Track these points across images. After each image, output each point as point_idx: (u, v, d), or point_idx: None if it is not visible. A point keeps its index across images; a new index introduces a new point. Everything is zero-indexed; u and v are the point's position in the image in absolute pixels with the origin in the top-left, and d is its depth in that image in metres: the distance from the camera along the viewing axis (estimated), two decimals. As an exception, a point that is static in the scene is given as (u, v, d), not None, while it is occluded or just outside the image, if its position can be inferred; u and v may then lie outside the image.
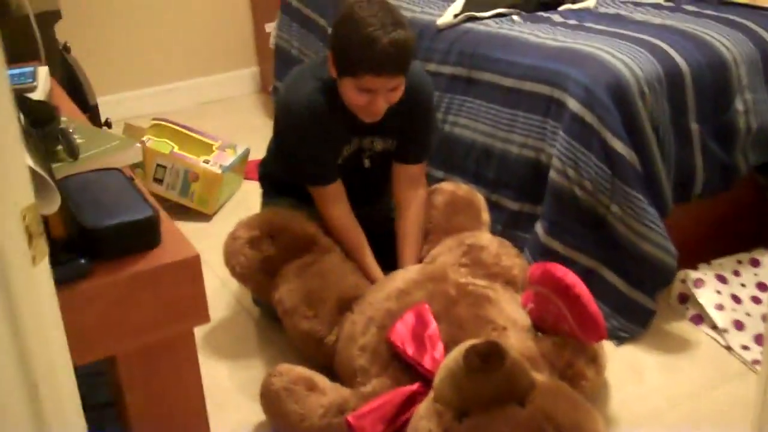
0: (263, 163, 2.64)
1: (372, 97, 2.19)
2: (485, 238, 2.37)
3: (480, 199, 2.51)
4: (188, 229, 2.99)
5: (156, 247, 1.23)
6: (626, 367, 2.30)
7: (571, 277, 2.03)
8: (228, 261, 2.34)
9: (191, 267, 1.21)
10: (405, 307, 2.08)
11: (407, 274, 2.23)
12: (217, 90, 4.16)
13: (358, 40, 2.12)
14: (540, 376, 1.84)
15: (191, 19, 4.04)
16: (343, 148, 2.37)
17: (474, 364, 1.71)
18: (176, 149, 3.04)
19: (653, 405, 2.18)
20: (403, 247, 2.43)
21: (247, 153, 3.25)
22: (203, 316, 1.24)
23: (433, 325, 2.00)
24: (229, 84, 4.20)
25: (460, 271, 2.23)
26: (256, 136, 3.54)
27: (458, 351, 1.76)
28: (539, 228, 2.46)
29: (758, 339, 2.36)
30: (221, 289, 2.67)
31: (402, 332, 2.00)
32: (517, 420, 1.71)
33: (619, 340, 2.39)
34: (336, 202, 2.38)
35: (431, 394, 1.82)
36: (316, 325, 2.18)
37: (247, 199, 3.17)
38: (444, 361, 1.82)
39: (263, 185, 2.66)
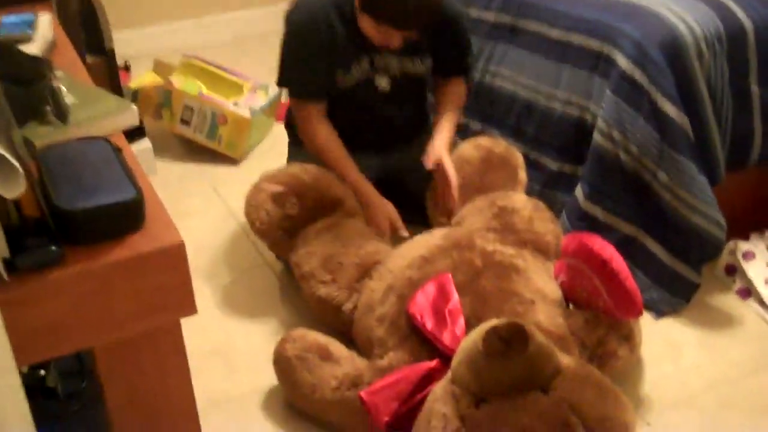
0: (290, 109, 2.52)
1: (389, 37, 2.13)
2: (519, 199, 2.22)
3: (518, 156, 2.36)
4: (215, 173, 2.91)
5: (138, 231, 1.12)
6: (663, 343, 2.17)
7: (608, 251, 1.89)
8: (249, 214, 2.24)
9: (175, 255, 1.10)
10: (427, 276, 1.96)
11: (431, 239, 2.10)
12: (255, 24, 3.99)
13: None
14: (567, 359, 1.71)
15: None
16: (351, 65, 2.25)
17: (494, 348, 1.59)
18: (204, 90, 2.92)
19: (689, 386, 2.06)
20: (435, 131, 2.35)
21: (279, 94, 3.11)
22: (189, 307, 1.13)
23: (455, 298, 1.88)
24: (268, 18, 4.00)
25: (487, 237, 2.10)
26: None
27: (478, 332, 1.64)
28: (579, 192, 2.31)
29: (809, 319, 2.21)
30: (244, 241, 2.57)
31: (422, 304, 1.88)
32: (539, 409, 1.60)
33: (659, 314, 2.25)
34: (318, 120, 2.29)
35: (449, 375, 1.71)
36: (333, 291, 2.07)
37: (278, 144, 3.04)
38: (463, 341, 1.70)
39: (288, 132, 2.55)
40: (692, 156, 2.15)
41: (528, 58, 2.48)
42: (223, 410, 1.97)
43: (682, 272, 2.24)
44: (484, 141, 2.38)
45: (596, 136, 2.24)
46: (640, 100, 2.15)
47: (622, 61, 2.18)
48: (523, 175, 2.34)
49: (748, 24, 2.22)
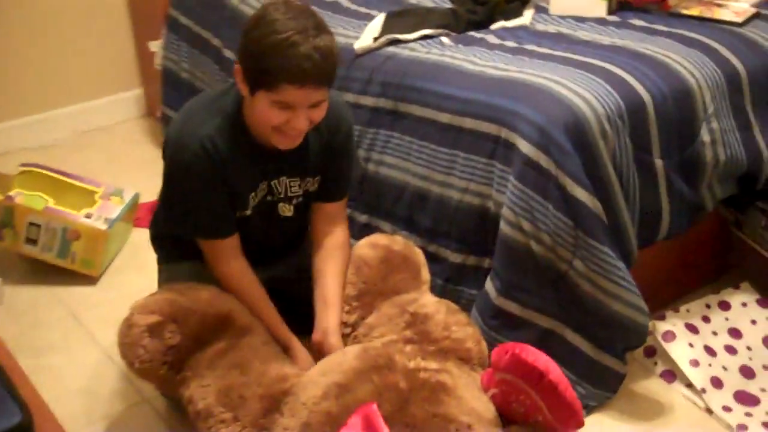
0: (155, 222, 2.24)
1: (291, 115, 1.85)
2: (429, 303, 2.01)
3: (418, 253, 2.16)
4: (71, 296, 2.56)
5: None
6: (598, 444, 2.01)
7: (543, 362, 1.71)
8: (125, 354, 1.92)
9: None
10: (348, 408, 1.71)
11: (345, 361, 1.86)
12: (98, 116, 3.65)
13: (274, 44, 1.78)
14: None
15: (63, 38, 3.53)
16: (248, 196, 2.01)
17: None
18: (51, 203, 2.57)
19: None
20: (323, 298, 2.06)
21: (136, 199, 2.80)
22: None
23: (386, 434, 1.64)
24: (111, 109, 3.70)
25: (406, 351, 1.88)
26: (146, 171, 3.10)
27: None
28: (490, 287, 2.13)
29: (739, 397, 2.11)
30: (115, 375, 2.23)
31: (349, 446, 1.64)
32: None
33: (587, 410, 2.08)
34: (232, 257, 2.03)
35: None
36: (236, 431, 1.79)
37: (139, 253, 2.72)
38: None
39: (156, 247, 2.26)
40: (608, 240, 2.01)
41: (416, 144, 2.30)
42: None
43: (606, 363, 2.10)
44: (380, 239, 2.16)
45: (504, 227, 2.08)
46: (548, 186, 2.00)
47: (525, 146, 2.03)
48: (426, 274, 2.15)
49: (647, 97, 2.13)
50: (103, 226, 2.58)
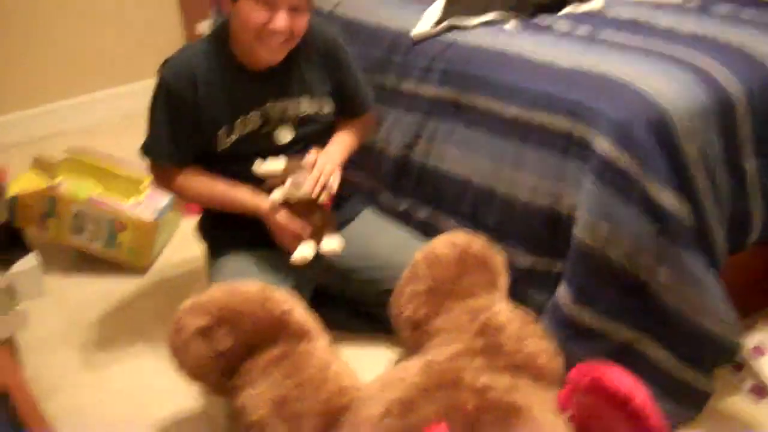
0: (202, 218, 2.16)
1: (273, 14, 1.88)
2: (503, 311, 1.88)
3: (498, 259, 2.03)
4: (118, 287, 2.46)
5: None
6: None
7: (626, 385, 1.58)
8: (175, 358, 1.82)
9: None
10: (412, 428, 1.59)
11: (407, 374, 1.73)
12: (144, 99, 3.54)
13: None
14: None
15: (111, 20, 3.44)
16: (234, 122, 1.99)
17: None
18: (98, 191, 2.47)
19: None
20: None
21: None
22: None
23: (456, 462, 1.51)
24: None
25: (474, 367, 1.74)
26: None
27: None
28: (563, 295, 1.98)
29: (832, 419, 1.94)
30: (171, 379, 2.09)
31: (415, 472, 1.51)
32: None
33: (672, 428, 1.93)
34: (183, 179, 2.06)
35: None
36: (292, 448, 1.67)
37: (189, 242, 2.61)
38: None
39: (206, 239, 2.16)
40: (696, 250, 1.85)
41: (481, 138, 2.16)
42: None
43: (690, 380, 1.93)
44: (459, 238, 2.02)
45: (579, 232, 1.92)
46: (629, 189, 1.84)
47: (603, 145, 1.87)
48: (503, 281, 2.01)
49: (737, 93, 1.94)
50: (151, 217, 2.47)
